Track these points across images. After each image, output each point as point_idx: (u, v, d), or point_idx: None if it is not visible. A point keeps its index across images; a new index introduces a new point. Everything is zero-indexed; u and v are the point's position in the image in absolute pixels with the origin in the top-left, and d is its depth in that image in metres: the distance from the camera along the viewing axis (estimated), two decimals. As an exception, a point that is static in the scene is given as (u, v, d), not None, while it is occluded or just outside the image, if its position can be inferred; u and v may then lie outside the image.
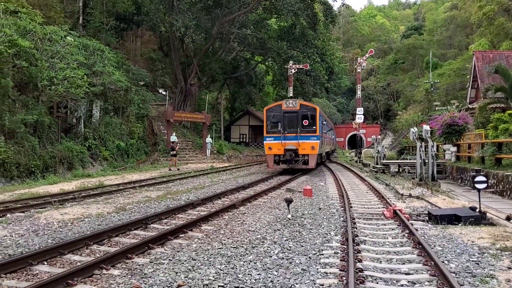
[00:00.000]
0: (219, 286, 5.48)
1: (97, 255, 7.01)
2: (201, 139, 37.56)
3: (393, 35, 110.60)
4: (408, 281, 5.66)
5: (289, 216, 10.07)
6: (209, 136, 36.94)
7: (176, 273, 6.01)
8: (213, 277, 5.81)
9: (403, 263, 6.52)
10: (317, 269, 6.17)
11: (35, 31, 20.56)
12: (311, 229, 8.93)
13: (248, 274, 5.92)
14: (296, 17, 39.10)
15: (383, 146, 29.27)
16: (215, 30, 37.20)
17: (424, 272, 6.02)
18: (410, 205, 12.11)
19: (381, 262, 6.60)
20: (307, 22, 41.07)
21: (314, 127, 23.13)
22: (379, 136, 37.58)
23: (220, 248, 7.31)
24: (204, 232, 8.63)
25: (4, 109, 18.01)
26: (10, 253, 7.05)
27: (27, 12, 21.87)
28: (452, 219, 9.62)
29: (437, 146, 23.59)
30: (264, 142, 24.01)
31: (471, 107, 31.53)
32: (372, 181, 19.24)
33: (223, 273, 5.97)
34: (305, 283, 5.58)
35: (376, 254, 7.05)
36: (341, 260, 6.54)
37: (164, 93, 45.37)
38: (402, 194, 14.12)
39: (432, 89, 50.58)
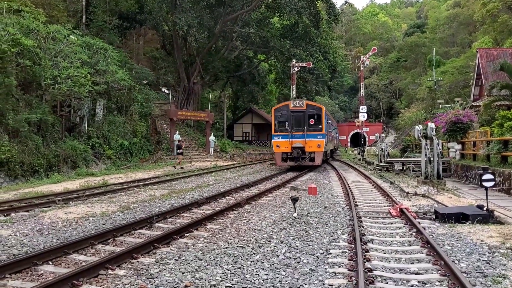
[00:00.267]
0: (226, 286, 5.41)
1: (102, 255, 6.95)
2: (204, 138, 37.50)
3: (395, 33, 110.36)
4: (419, 281, 5.57)
5: (295, 214, 10.00)
6: (212, 134, 36.87)
7: (183, 273, 5.93)
8: (220, 277, 5.74)
9: (412, 263, 6.44)
10: (326, 269, 6.09)
11: (39, 30, 20.52)
12: (317, 228, 8.85)
13: (256, 274, 5.85)
14: (299, 15, 38.98)
15: (386, 144, 29.15)
16: (218, 28, 37.13)
17: (434, 272, 5.93)
18: (416, 204, 12.02)
19: (389, 261, 6.51)
20: (309, 21, 40.97)
21: (320, 126, 24.06)
22: (383, 134, 37.38)
23: (226, 248, 7.24)
24: (209, 231, 8.56)
25: (8, 108, 17.98)
26: (15, 253, 7.00)
27: (30, 11, 21.88)
28: (459, 217, 9.51)
29: (441, 144, 23.48)
30: (272, 140, 24.93)
31: (475, 104, 31.36)
32: (376, 179, 19.14)
33: (230, 273, 5.90)
34: (314, 284, 5.50)
35: (384, 253, 6.97)
36: (349, 260, 6.46)
37: (167, 91, 45.35)
38: (407, 192, 14.01)
39: (435, 87, 50.38)
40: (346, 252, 6.94)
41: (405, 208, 10.20)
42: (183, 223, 9.11)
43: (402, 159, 27.34)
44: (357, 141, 69.02)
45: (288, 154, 24.02)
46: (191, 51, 40.82)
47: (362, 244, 7.23)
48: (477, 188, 16.57)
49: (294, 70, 40.24)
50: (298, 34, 42.26)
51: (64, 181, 17.56)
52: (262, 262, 6.40)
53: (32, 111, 19.08)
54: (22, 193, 14.02)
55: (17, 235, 8.19)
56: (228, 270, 6.04)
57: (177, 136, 31.45)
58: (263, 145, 55.36)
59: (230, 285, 5.45)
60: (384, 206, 11.74)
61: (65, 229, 8.79)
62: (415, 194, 13.68)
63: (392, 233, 8.51)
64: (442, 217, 9.62)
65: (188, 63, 40.98)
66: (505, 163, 16.86)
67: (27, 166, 18.01)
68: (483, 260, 6.42)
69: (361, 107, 38.42)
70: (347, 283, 5.49)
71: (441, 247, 7.00)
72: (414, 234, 8.23)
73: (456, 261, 6.36)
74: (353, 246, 7.19)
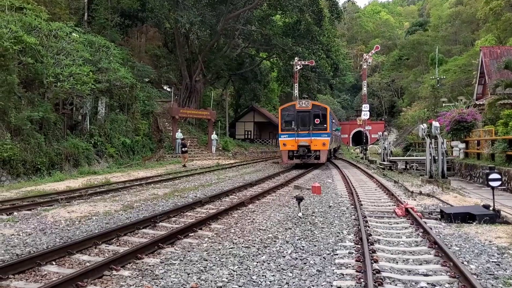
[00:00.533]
0: (233, 288, 5.33)
1: (106, 255, 6.87)
2: (207, 136, 37.42)
3: (397, 31, 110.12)
4: (428, 283, 5.48)
5: (300, 214, 9.90)
6: (214, 132, 36.79)
7: (188, 274, 5.85)
8: (227, 278, 5.65)
9: (420, 264, 6.34)
10: (333, 270, 6.00)
11: (41, 28, 20.41)
12: (322, 227, 8.76)
13: (263, 276, 5.76)
14: (302, 13, 38.88)
15: (389, 143, 29.05)
16: (220, 26, 37.02)
17: (443, 274, 5.83)
18: (421, 203, 11.92)
19: (397, 262, 6.43)
20: (312, 18, 40.83)
21: (325, 125, 25.17)
22: (386, 133, 37.30)
23: (231, 248, 7.15)
24: (214, 231, 8.47)
25: (10, 106, 17.91)
26: (18, 252, 6.92)
27: (32, 8, 21.76)
28: (466, 217, 9.41)
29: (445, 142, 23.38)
30: (279, 139, 25.96)
31: (478, 103, 31.21)
32: (379, 178, 19.04)
33: (236, 275, 5.81)
34: (322, 285, 5.41)
35: (392, 254, 6.88)
36: (356, 261, 6.37)
37: (168, 89, 45.25)
38: (412, 192, 13.91)
39: (438, 85, 50.19)
40: (353, 252, 6.85)
41: (411, 208, 10.11)
42: (187, 222, 9.04)
43: (406, 158, 27.26)
44: (359, 139, 69.05)
45: (294, 152, 25.01)
46: (193, 49, 40.74)
47: (369, 244, 7.13)
48: (482, 187, 16.48)
49: (297, 68, 40.12)
50: (300, 32, 42.13)
51: (66, 180, 17.49)
52: (269, 263, 6.32)
53: (34, 109, 19.01)
54: (24, 191, 13.95)
55: (20, 235, 8.12)
56: (234, 271, 5.96)
57: (179, 135, 31.41)
58: (265, 143, 55.29)
59: (237, 286, 5.37)
60: (389, 206, 11.65)
61: (68, 228, 8.72)
62: (420, 193, 13.57)
63: (399, 233, 8.42)
64: (448, 217, 9.52)
65: (190, 61, 40.90)
66: (510, 162, 16.73)
67: (29, 164, 17.95)
68: (492, 262, 6.32)
69: (364, 105, 38.31)
70: (355, 285, 5.40)
71: (449, 248, 6.90)
72: (420, 234, 8.13)
73: (465, 263, 6.26)
74: (359, 246, 7.10)
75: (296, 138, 24.76)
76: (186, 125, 38.74)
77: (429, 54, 70.12)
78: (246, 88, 50.68)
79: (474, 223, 9.14)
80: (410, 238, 7.98)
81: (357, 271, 5.89)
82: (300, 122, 25.06)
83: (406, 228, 8.87)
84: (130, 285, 5.46)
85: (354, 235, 8.08)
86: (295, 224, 9.08)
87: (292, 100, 34.10)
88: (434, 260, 6.47)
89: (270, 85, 57.66)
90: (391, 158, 26.21)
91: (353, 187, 15.35)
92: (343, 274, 5.82)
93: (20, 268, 5.96)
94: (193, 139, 36.78)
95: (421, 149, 33.11)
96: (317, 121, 25.04)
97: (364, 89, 39.93)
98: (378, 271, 5.81)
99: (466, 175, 20.54)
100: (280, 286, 5.39)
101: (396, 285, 5.47)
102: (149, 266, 6.23)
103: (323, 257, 6.62)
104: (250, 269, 6.03)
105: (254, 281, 5.55)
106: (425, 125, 18.13)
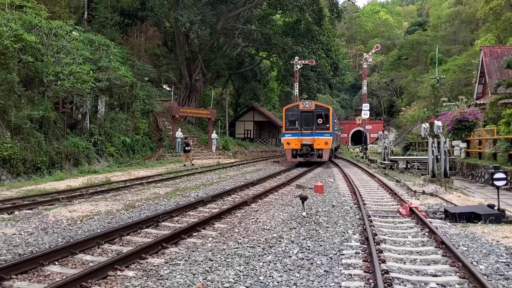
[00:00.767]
0: (240, 288, 5.24)
1: (110, 254, 6.78)
2: (207, 135, 37.32)
3: (396, 31, 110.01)
4: (438, 284, 5.39)
5: (304, 213, 9.82)
6: (214, 132, 36.69)
7: (194, 274, 5.76)
8: (233, 279, 5.56)
9: (428, 264, 6.26)
10: (340, 270, 5.92)
11: (41, 26, 20.31)
12: (327, 227, 8.68)
13: (270, 276, 5.67)
14: (302, 13, 38.79)
15: (390, 142, 29.00)
16: (220, 25, 36.91)
17: (452, 274, 5.75)
18: (424, 202, 11.85)
19: (405, 263, 6.34)
20: (312, 18, 40.73)
21: (327, 125, 26.00)
22: (386, 132, 37.24)
23: (236, 248, 7.06)
24: (217, 231, 8.38)
25: (10, 105, 17.80)
26: (20, 252, 6.82)
27: (32, 6, 21.63)
28: (471, 217, 9.33)
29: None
30: (283, 138, 26.98)
31: (478, 103, 31.17)
32: (381, 177, 18.98)
33: (243, 275, 5.71)
34: (330, 286, 5.33)
35: (399, 254, 6.79)
36: (363, 261, 6.29)
37: (168, 89, 45.14)
38: (415, 191, 13.85)
39: (438, 84, 50.14)
40: (359, 253, 6.76)
41: (415, 207, 10.03)
42: (190, 222, 8.94)
43: (407, 157, 27.20)
44: (358, 139, 69.00)
45: (298, 151, 25.85)
46: (193, 48, 40.65)
47: (375, 244, 7.05)
48: (485, 187, 16.44)
49: (297, 67, 40.03)
50: (300, 32, 42.04)
51: (66, 179, 17.38)
52: (275, 263, 6.23)
53: (34, 107, 18.91)
54: (25, 190, 13.85)
55: (21, 234, 8.02)
56: (240, 271, 5.87)
57: (179, 134, 31.31)
58: (265, 142, 55.22)
59: (244, 287, 5.28)
60: (393, 205, 11.57)
61: (70, 228, 8.62)
62: (423, 192, 13.50)
63: (404, 233, 8.33)
64: (453, 216, 9.45)
65: (190, 60, 40.79)
66: (512, 161, 16.70)
67: (29, 163, 17.84)
68: (502, 262, 6.24)
69: (364, 104, 38.25)
70: (364, 286, 5.32)
71: (457, 248, 6.82)
72: (426, 234, 8.05)
73: (474, 263, 6.18)
74: (366, 246, 7.02)
75: (300, 137, 25.57)
76: (186, 124, 38.66)
77: (428, 54, 70.05)
78: (246, 88, 50.60)
79: (480, 222, 9.07)
80: (416, 238, 7.90)
81: (365, 272, 5.81)
82: (303, 122, 25.88)
83: (411, 227, 8.79)
84: (135, 286, 5.37)
85: (360, 234, 8.00)
86: (299, 223, 8.99)
87: (292, 99, 34.28)
88: (442, 261, 6.38)
89: (270, 84, 57.59)
90: (392, 157, 26.15)
91: (355, 186, 15.28)
92: (351, 275, 5.74)
93: (22, 268, 5.86)
94: (193, 138, 36.65)
95: (421, 148, 33.09)
96: (320, 121, 25.82)
97: (364, 89, 39.88)
98: (387, 272, 5.72)
99: (467, 175, 20.49)
100: (288, 287, 5.30)
101: (405, 285, 5.39)
102: (154, 266, 6.14)
103: (330, 257, 6.54)
104: (256, 270, 5.94)
105: (261, 282, 5.46)
106: (427, 124, 18.06)
